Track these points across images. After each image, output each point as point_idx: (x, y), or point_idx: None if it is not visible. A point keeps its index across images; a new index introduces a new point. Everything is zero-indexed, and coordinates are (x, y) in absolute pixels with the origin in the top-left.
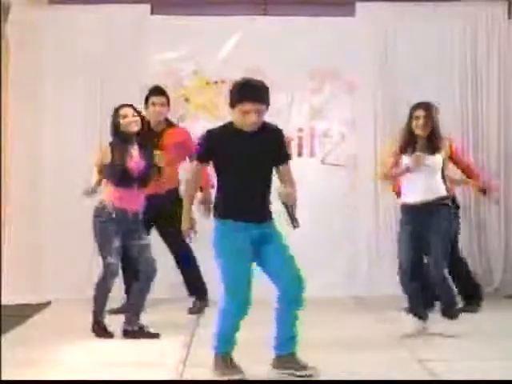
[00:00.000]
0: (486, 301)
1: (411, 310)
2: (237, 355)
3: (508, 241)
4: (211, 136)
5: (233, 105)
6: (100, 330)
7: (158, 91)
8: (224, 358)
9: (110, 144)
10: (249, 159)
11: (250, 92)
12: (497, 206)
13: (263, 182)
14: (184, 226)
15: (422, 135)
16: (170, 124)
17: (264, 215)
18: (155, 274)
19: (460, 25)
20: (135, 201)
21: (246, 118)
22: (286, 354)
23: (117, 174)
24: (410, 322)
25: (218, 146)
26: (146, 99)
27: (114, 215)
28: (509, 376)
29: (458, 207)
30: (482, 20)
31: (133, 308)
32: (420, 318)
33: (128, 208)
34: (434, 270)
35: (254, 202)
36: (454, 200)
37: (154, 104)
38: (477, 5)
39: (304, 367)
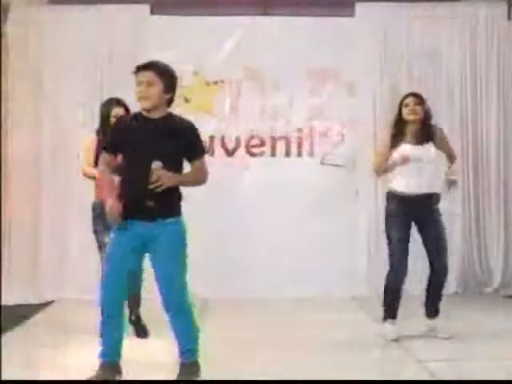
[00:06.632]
0: (486, 301)
1: (389, 315)
2: (237, 355)
3: (508, 241)
4: (116, 124)
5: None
6: None
7: None
8: None
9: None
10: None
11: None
12: (497, 207)
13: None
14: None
15: (412, 120)
16: None
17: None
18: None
19: (460, 25)
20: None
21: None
22: None
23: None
24: (389, 327)
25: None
26: None
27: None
28: (509, 376)
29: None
30: (482, 20)
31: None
32: (394, 317)
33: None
34: (443, 259)
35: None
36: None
37: None
38: (477, 5)
39: None
